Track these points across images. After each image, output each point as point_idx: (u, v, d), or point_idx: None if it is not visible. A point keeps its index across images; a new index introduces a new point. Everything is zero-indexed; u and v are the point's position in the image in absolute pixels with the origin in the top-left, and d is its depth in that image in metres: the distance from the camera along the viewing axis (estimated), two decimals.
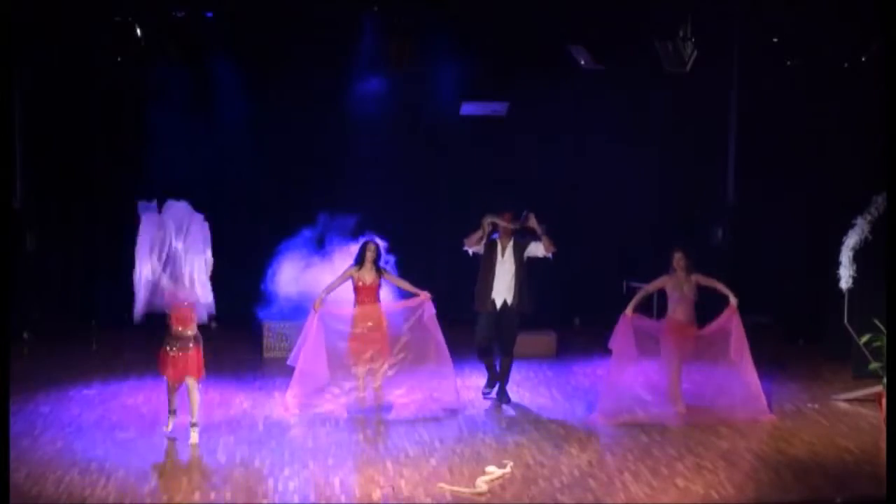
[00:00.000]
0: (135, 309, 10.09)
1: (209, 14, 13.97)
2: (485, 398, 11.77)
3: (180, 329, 10.12)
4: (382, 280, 11.58)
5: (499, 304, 11.41)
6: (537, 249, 11.35)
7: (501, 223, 11.37)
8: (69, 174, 15.31)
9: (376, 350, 11.48)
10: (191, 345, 10.12)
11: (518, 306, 11.41)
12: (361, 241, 11.68)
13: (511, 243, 11.41)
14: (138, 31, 13.58)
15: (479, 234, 11.36)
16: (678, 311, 11.29)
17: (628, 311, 11.27)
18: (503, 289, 11.37)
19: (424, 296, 11.41)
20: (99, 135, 15.30)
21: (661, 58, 13.79)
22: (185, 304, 10.11)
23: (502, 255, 11.39)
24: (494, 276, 11.37)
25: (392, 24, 14.10)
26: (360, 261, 11.48)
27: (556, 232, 13.81)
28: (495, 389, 11.80)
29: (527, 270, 11.43)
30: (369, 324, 11.45)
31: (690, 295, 11.25)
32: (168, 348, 10.12)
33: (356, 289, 11.52)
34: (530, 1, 13.96)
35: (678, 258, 11.31)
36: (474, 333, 11.65)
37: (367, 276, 11.47)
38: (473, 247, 11.49)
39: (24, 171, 14.74)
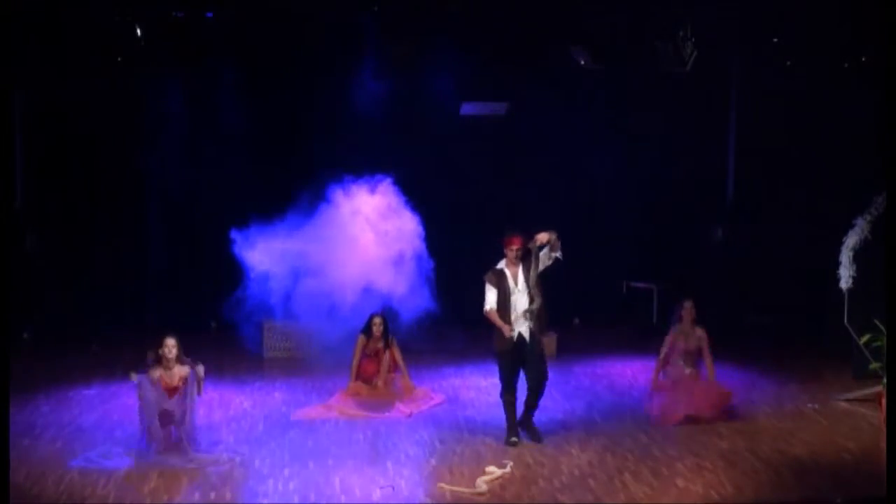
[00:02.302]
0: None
1: (209, 14, 13.97)
2: (509, 445, 10.12)
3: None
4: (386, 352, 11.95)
5: (525, 336, 10.11)
6: (546, 259, 10.12)
7: (542, 242, 10.05)
8: (69, 174, 15.31)
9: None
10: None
11: (537, 333, 10.14)
12: (368, 314, 12.07)
13: (520, 268, 10.12)
14: (138, 31, 13.58)
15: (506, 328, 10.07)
16: (680, 361, 11.32)
17: (654, 383, 11.43)
18: (522, 318, 10.10)
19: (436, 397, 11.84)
20: (99, 135, 15.30)
21: (661, 58, 13.79)
22: (173, 382, 10.15)
23: (515, 283, 10.09)
24: (511, 307, 10.08)
25: (392, 24, 14.09)
26: (367, 332, 11.93)
27: (555, 231, 13.84)
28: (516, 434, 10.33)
29: (541, 291, 10.15)
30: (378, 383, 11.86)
31: (694, 346, 11.30)
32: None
33: (366, 356, 11.92)
34: (530, 1, 13.96)
35: (688, 308, 11.35)
36: (499, 373, 10.28)
37: (377, 346, 11.92)
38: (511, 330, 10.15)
39: (24, 171, 14.74)
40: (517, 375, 10.25)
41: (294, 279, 13.30)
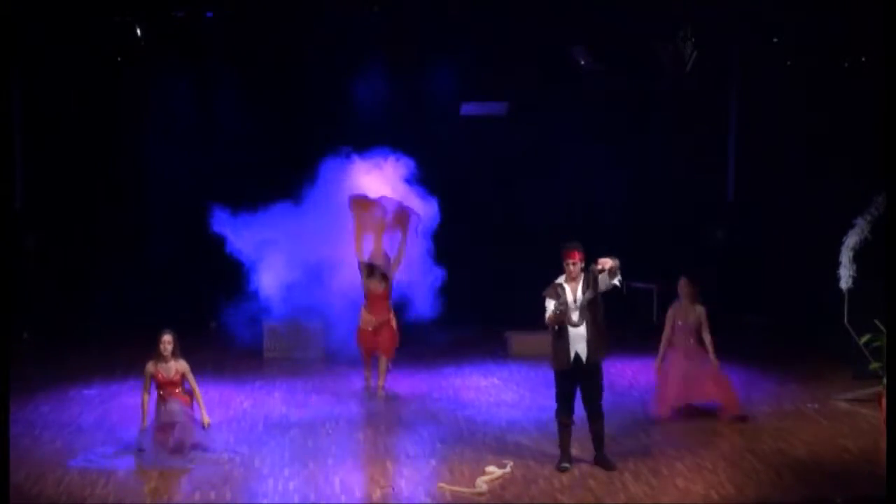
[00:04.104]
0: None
1: (209, 14, 13.98)
2: (559, 471, 9.45)
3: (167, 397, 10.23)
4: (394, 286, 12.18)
5: (582, 355, 9.41)
6: (603, 284, 9.41)
7: (604, 267, 9.33)
8: (69, 174, 15.31)
9: (381, 349, 12.05)
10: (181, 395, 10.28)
11: (594, 355, 9.43)
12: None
13: (580, 285, 9.44)
14: (138, 31, 13.59)
15: (553, 316, 9.40)
16: (681, 339, 11.31)
17: (658, 363, 11.35)
18: (580, 338, 9.40)
19: None
20: (99, 135, 15.31)
21: (661, 58, 13.80)
22: (171, 376, 10.17)
23: (574, 298, 9.44)
24: (569, 324, 9.44)
25: (393, 24, 14.11)
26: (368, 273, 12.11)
27: (556, 231, 13.78)
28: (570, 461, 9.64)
29: (602, 312, 9.54)
30: (375, 323, 12.02)
31: (695, 323, 11.27)
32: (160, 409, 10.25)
33: (367, 296, 12.07)
34: (530, 1, 13.97)
35: (683, 285, 11.32)
36: (555, 393, 9.62)
37: (378, 286, 12.03)
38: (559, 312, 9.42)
39: (24, 171, 14.74)
40: (573, 398, 9.56)
41: (293, 274, 13.31)
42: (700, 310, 11.28)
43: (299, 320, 13.73)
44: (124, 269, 15.61)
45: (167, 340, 10.07)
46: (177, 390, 10.22)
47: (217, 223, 13.37)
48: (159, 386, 10.13)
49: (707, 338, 11.22)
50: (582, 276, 9.43)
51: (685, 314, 11.29)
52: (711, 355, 11.21)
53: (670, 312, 11.38)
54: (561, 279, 9.50)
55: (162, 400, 10.19)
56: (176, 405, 10.05)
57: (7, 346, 9.03)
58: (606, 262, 9.31)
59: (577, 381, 9.50)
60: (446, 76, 15.10)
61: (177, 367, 10.10)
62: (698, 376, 11.09)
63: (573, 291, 9.44)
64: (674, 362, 11.25)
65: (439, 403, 11.70)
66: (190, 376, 10.15)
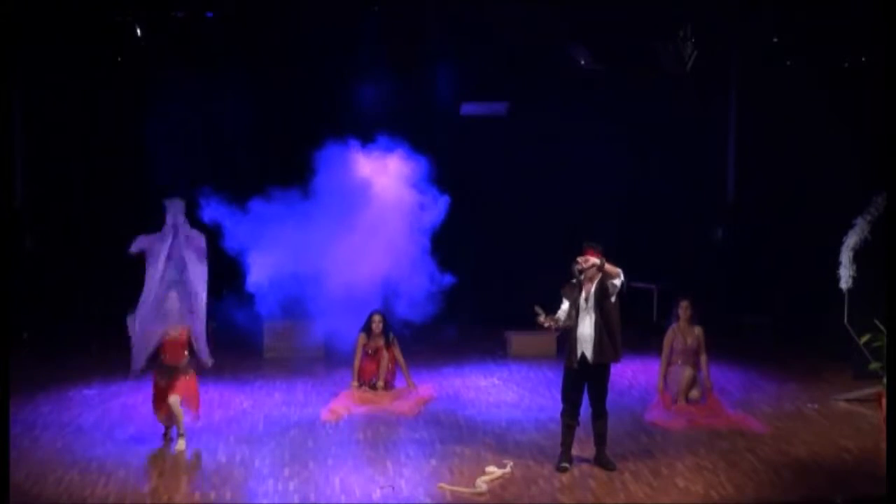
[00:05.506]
0: (132, 362, 10.07)
1: (209, 14, 13.98)
2: (558, 471, 9.48)
3: (170, 361, 10.07)
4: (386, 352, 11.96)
5: (588, 355, 9.42)
6: (608, 286, 9.43)
7: (583, 266, 9.46)
8: (69, 174, 15.31)
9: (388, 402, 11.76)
10: (181, 375, 10.04)
11: (600, 356, 9.43)
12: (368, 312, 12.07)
13: (594, 286, 9.45)
14: (138, 31, 13.59)
15: (541, 320, 9.44)
16: (680, 359, 11.38)
17: (660, 385, 11.45)
18: (587, 338, 9.43)
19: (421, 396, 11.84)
20: (99, 135, 15.31)
21: (661, 58, 13.81)
22: (177, 335, 10.04)
23: (585, 299, 9.48)
24: (578, 322, 9.49)
25: (393, 24, 14.10)
26: (367, 329, 11.93)
27: (556, 232, 13.79)
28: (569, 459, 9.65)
29: (616, 314, 9.48)
30: (378, 384, 11.87)
31: (693, 345, 11.33)
32: (160, 382, 10.08)
33: (366, 355, 11.93)
34: (530, 1, 13.97)
35: (684, 307, 11.41)
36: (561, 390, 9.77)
37: (377, 344, 11.91)
38: (556, 324, 9.56)
39: (24, 171, 14.74)
40: (578, 397, 9.54)
41: (293, 272, 13.30)
42: (698, 330, 11.41)
43: (299, 319, 13.71)
44: (124, 268, 15.59)
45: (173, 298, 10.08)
46: (180, 352, 10.10)
47: (217, 218, 13.36)
48: (164, 347, 10.06)
49: (703, 358, 11.32)
50: (598, 276, 9.44)
51: (684, 336, 11.41)
52: (705, 374, 11.30)
53: (669, 335, 11.50)
54: (581, 278, 9.55)
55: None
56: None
57: (7, 346, 9.03)
58: (583, 263, 9.42)
59: (583, 380, 9.53)
60: (447, 76, 15.09)
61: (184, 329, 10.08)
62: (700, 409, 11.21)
63: (586, 291, 9.50)
64: (672, 389, 11.36)
65: (439, 403, 11.70)
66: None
